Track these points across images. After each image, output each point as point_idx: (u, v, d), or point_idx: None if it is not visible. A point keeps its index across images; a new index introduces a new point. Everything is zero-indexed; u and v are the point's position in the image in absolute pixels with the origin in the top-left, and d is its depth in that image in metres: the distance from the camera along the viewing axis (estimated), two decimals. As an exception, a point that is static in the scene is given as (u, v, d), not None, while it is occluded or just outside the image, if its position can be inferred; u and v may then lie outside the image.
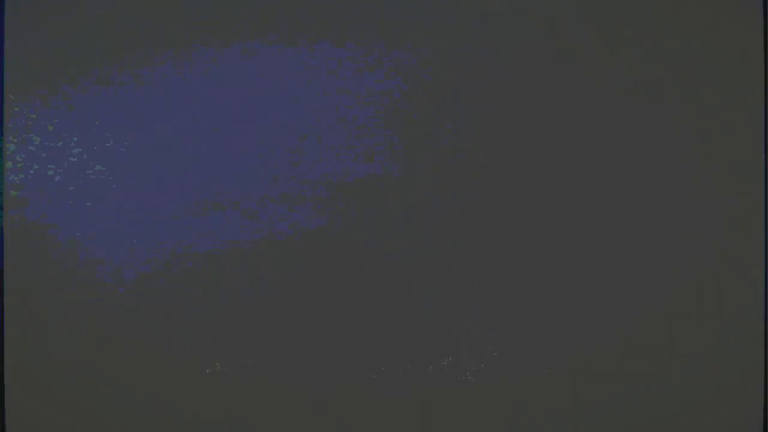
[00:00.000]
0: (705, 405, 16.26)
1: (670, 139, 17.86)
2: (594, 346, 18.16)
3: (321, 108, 20.41)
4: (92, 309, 20.78)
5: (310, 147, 20.41)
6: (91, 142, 20.04)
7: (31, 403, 17.76)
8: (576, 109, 18.47)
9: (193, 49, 19.37)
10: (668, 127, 17.90)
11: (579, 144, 18.29)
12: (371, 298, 22.26)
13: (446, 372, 22.33)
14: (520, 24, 18.89)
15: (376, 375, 21.81)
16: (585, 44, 18.58)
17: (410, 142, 19.56)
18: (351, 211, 20.97)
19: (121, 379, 19.68)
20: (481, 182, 19.53)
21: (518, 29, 18.82)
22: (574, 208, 18.74)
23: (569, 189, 18.44)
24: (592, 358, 18.14)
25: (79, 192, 19.85)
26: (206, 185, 20.94)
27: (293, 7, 18.80)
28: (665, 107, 17.95)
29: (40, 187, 19.92)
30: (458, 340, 23.08)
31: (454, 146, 19.50)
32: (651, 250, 17.93)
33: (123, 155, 19.84)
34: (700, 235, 18.37)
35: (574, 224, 18.85)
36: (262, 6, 18.61)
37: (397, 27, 18.95)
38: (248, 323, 22.47)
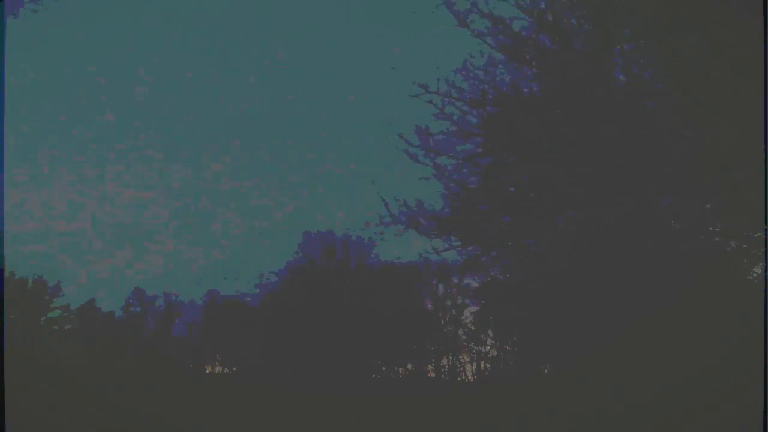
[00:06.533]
0: (705, 405, 16.23)
1: (670, 139, 17.84)
2: (593, 347, 18.13)
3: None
4: (91, 312, 20.73)
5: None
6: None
7: (31, 403, 17.75)
8: (575, 109, 18.45)
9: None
10: (667, 128, 17.88)
11: (578, 144, 18.26)
12: (371, 301, 22.19)
13: (446, 372, 22.26)
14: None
15: (377, 375, 21.76)
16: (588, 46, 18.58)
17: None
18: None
19: (121, 379, 19.66)
20: (481, 180, 19.49)
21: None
22: (574, 209, 18.71)
23: (569, 189, 18.41)
24: (592, 359, 18.12)
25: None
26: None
27: None
28: (664, 108, 17.92)
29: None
30: (458, 340, 23.02)
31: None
32: (650, 252, 17.89)
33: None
34: (699, 237, 18.34)
35: (572, 225, 18.82)
36: None
37: None
38: (249, 324, 22.40)
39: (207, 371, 22.95)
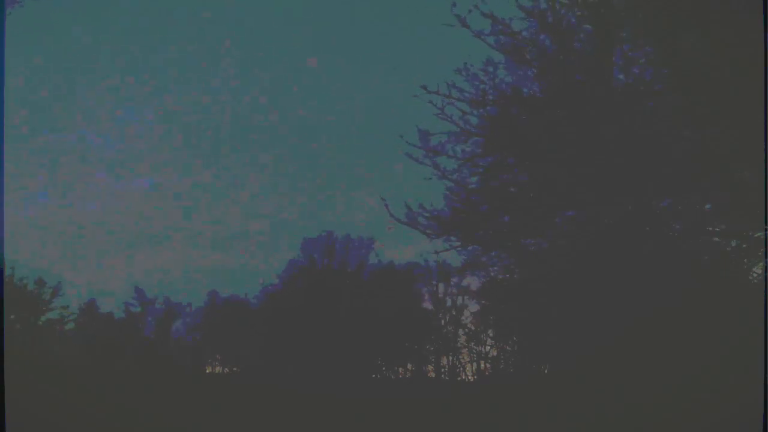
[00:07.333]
0: (705, 405, 16.23)
1: (670, 139, 17.83)
2: (593, 347, 18.13)
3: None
4: (91, 311, 20.73)
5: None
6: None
7: (31, 403, 17.76)
8: (575, 109, 18.46)
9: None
10: (668, 127, 17.88)
11: (578, 144, 18.25)
12: (371, 301, 22.20)
13: (446, 372, 22.27)
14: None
15: (377, 375, 21.77)
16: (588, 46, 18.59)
17: None
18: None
19: (121, 379, 19.65)
20: (481, 180, 19.50)
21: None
22: (574, 209, 18.70)
23: (569, 189, 18.40)
24: (592, 359, 18.12)
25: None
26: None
27: None
28: (664, 108, 17.92)
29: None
30: (458, 340, 23.01)
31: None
32: (650, 252, 17.89)
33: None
34: (699, 237, 18.33)
35: (572, 225, 18.82)
36: None
37: None
38: (249, 325, 22.41)
39: (207, 371, 22.94)
